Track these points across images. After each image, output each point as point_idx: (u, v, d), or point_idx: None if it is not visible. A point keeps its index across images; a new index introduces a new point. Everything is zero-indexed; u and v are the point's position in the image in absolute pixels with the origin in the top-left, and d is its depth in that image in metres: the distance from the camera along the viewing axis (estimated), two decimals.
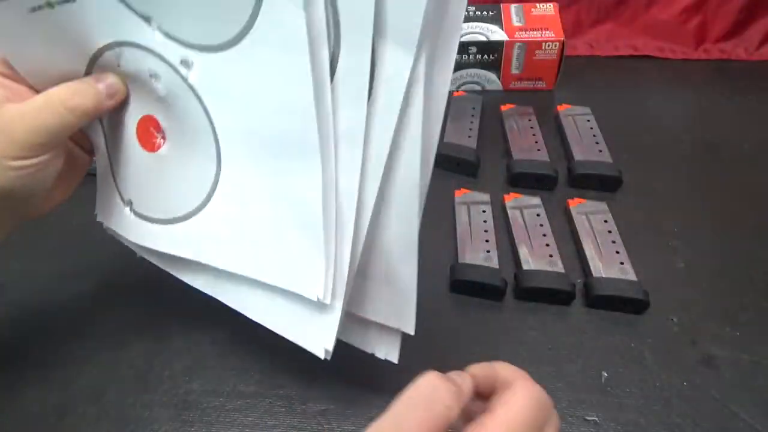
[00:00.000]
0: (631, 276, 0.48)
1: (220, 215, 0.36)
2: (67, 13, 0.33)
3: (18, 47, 0.34)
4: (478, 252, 0.50)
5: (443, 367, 0.36)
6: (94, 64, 0.35)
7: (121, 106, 0.37)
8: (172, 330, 0.47)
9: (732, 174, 0.60)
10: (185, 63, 0.33)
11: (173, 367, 0.44)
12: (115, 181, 0.40)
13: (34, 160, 0.32)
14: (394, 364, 0.38)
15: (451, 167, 0.60)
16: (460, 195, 0.56)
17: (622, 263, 0.49)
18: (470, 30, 0.68)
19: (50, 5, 0.32)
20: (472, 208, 0.55)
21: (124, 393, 0.43)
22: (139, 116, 0.37)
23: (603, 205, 0.55)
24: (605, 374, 0.44)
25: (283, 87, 0.30)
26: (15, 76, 0.34)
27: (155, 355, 0.45)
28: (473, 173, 0.60)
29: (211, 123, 0.34)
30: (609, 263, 0.49)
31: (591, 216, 0.54)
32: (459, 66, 0.70)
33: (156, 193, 0.39)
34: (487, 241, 0.52)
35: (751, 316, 0.47)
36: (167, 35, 0.32)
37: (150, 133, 0.37)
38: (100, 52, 0.35)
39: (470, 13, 0.70)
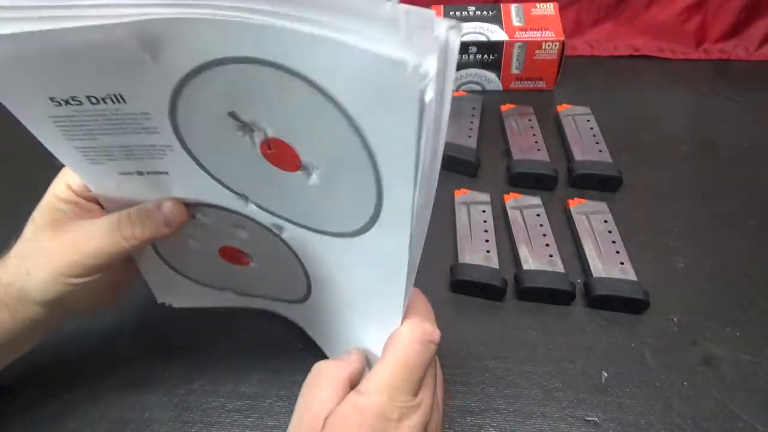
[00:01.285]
0: (631, 276, 0.48)
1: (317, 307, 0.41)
2: (156, 180, 0.32)
3: (100, 190, 0.35)
4: (478, 252, 0.50)
5: (443, 367, 0.36)
6: None
7: (201, 239, 0.38)
8: (173, 330, 0.47)
9: (732, 174, 0.60)
10: (277, 226, 0.34)
11: (173, 367, 0.44)
12: (196, 281, 0.43)
13: (88, 279, 0.34)
14: None
15: (451, 167, 0.60)
16: (460, 195, 0.56)
17: (622, 263, 0.49)
18: (470, 30, 0.68)
19: (140, 174, 0.32)
20: (472, 208, 0.55)
21: (124, 393, 0.43)
22: (218, 247, 0.39)
23: (603, 205, 0.55)
24: (605, 374, 0.44)
25: (374, 276, 0.32)
26: (88, 195, 0.35)
27: (155, 355, 0.45)
28: (473, 173, 0.60)
29: (302, 265, 0.37)
30: (609, 263, 0.49)
31: (591, 216, 0.54)
32: (459, 66, 0.70)
33: (255, 287, 0.43)
34: (487, 241, 0.52)
35: (751, 316, 0.47)
36: (261, 207, 0.33)
37: (235, 255, 0.39)
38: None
39: (470, 13, 0.70)
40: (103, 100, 0.26)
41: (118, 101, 0.26)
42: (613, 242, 0.51)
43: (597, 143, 0.61)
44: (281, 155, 0.27)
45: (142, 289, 0.49)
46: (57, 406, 0.42)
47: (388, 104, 0.21)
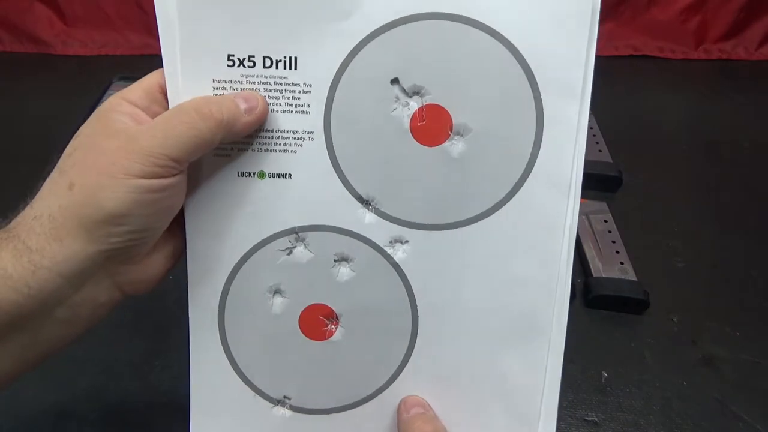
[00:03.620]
0: (631, 276, 0.48)
1: (408, 394, 0.34)
2: (275, 187, 0.31)
3: (206, 195, 0.31)
4: None
5: None
6: (256, 250, 0.32)
7: (289, 293, 0.32)
8: (172, 330, 0.47)
9: (732, 174, 0.60)
10: (396, 241, 0.31)
11: (173, 367, 0.44)
12: (250, 382, 0.34)
13: (157, 182, 0.26)
14: None
15: None
16: None
17: (622, 263, 0.49)
18: None
19: (261, 176, 0.30)
20: None
21: (124, 393, 0.43)
22: (304, 307, 0.33)
23: (603, 205, 0.55)
24: (605, 374, 0.44)
25: (524, 260, 0.31)
26: (153, 109, 0.29)
27: (155, 355, 0.45)
28: None
29: (412, 300, 0.32)
30: (609, 263, 0.49)
31: (591, 216, 0.54)
32: None
33: (325, 381, 0.34)
34: None
35: (751, 316, 0.47)
36: (383, 216, 0.31)
37: (318, 321, 0.33)
38: (273, 237, 0.31)
39: None
40: (277, 63, 0.28)
41: (290, 66, 0.29)
42: (613, 242, 0.51)
43: (597, 143, 0.61)
44: (431, 126, 0.29)
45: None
46: (57, 405, 0.42)
47: (561, 25, 0.28)
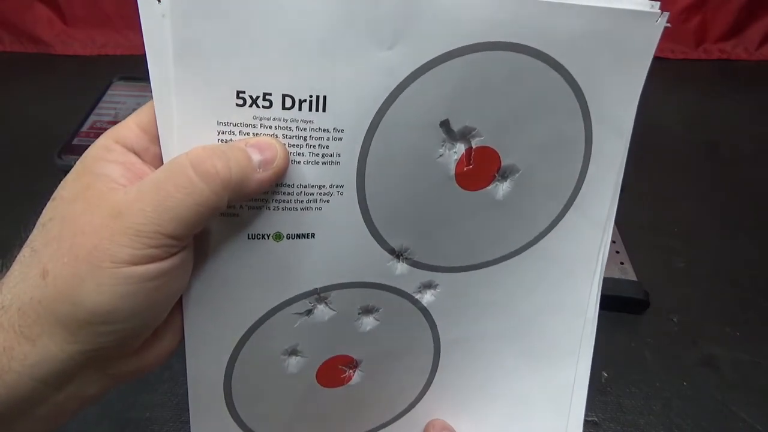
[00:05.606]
0: (631, 276, 0.48)
1: (424, 419, 0.34)
2: (293, 249, 0.25)
3: (213, 267, 0.25)
4: None
5: None
6: (269, 316, 0.27)
7: (308, 351, 0.29)
8: None
9: (732, 174, 0.60)
10: (426, 287, 0.29)
11: (173, 367, 0.44)
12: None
13: (154, 267, 0.21)
14: None
15: None
16: None
17: (622, 263, 0.49)
18: None
19: (277, 238, 0.25)
20: None
21: (124, 393, 0.43)
22: (322, 362, 0.30)
23: None
24: (605, 374, 0.44)
25: (556, 290, 0.30)
26: (151, 152, 0.23)
27: None
28: None
29: (436, 338, 0.31)
30: (609, 263, 0.49)
31: None
32: None
33: (339, 419, 0.32)
34: None
35: (751, 316, 0.47)
36: (415, 265, 0.28)
37: (337, 370, 0.30)
38: (290, 301, 0.27)
39: None
40: (301, 103, 0.22)
41: (317, 107, 0.22)
42: (613, 242, 0.51)
43: None
44: (478, 170, 0.26)
45: None
46: None
47: (623, 62, 0.25)
